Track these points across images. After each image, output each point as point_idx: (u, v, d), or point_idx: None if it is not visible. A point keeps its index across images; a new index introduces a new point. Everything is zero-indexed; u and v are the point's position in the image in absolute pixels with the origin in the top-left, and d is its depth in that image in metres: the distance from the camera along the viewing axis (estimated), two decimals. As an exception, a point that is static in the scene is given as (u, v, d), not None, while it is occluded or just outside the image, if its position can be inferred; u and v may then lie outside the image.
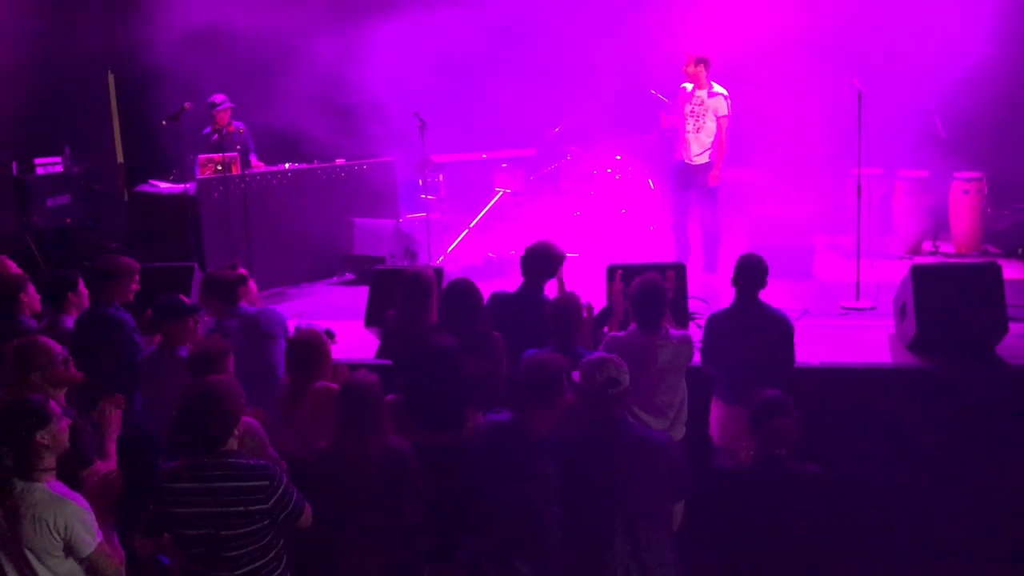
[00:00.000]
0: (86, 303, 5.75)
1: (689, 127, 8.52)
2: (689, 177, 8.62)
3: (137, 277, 5.88)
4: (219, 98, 9.49)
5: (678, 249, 8.78)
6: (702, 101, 8.50)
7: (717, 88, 8.52)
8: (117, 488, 3.77)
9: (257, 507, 3.59)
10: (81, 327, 5.54)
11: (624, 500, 3.90)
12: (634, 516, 3.91)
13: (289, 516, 3.69)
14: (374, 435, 4.05)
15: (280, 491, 3.65)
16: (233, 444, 3.72)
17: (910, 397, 6.17)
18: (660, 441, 4.08)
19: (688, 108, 8.53)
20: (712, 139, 8.51)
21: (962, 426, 6.02)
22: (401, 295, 5.41)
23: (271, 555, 3.70)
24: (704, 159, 8.55)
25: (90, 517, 3.54)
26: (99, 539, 3.54)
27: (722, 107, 8.47)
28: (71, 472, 3.85)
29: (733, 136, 8.75)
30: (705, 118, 8.49)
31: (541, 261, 5.72)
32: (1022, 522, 5.85)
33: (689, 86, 8.55)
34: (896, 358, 6.51)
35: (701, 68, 8.46)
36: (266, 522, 3.63)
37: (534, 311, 5.46)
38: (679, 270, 6.44)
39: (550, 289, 5.78)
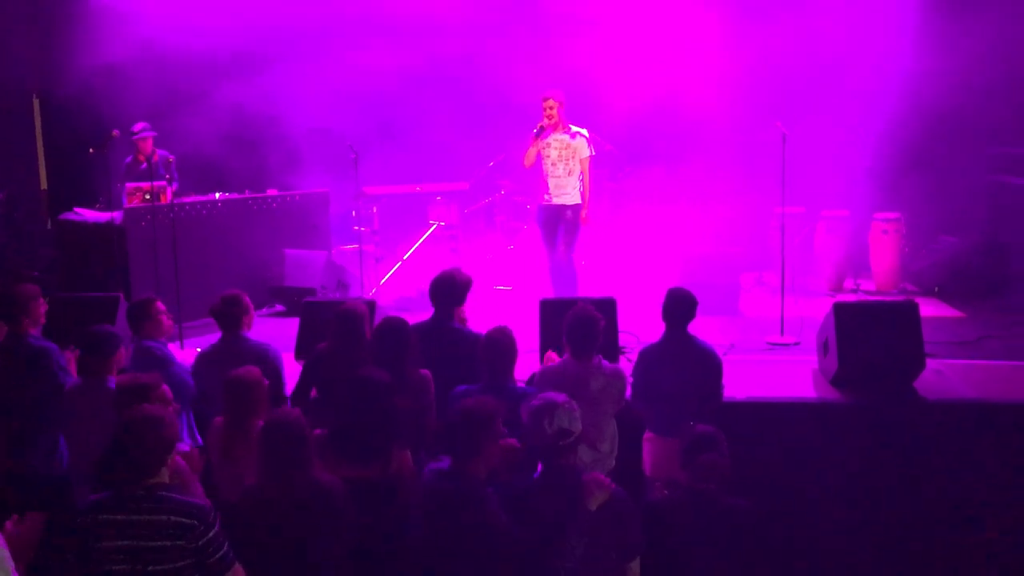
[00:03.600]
0: (1, 336, 5.61)
1: (559, 171, 8.31)
2: (555, 216, 8.40)
3: (42, 300, 5.78)
4: (139, 126, 9.37)
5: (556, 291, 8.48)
6: (568, 144, 8.30)
7: (576, 129, 8.35)
8: (37, 532, 3.65)
9: (184, 544, 3.49)
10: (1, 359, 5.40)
11: (572, 557, 3.84)
12: (584, 573, 3.85)
13: (218, 564, 3.57)
14: (301, 471, 3.99)
15: (211, 535, 3.54)
16: (164, 476, 3.64)
17: (833, 430, 6.32)
18: (619, 495, 3.99)
19: (554, 153, 8.32)
20: (576, 180, 8.33)
21: (883, 459, 6.19)
22: (333, 328, 5.39)
23: None
24: (567, 199, 8.34)
25: (6, 554, 3.42)
26: None
27: (584, 149, 8.32)
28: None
29: (659, 174, 8.88)
30: (572, 161, 8.30)
31: (448, 289, 5.73)
32: (942, 552, 6.01)
33: (545, 123, 8.25)
34: (820, 392, 6.67)
35: (558, 108, 8.23)
36: (191, 561, 3.53)
37: (446, 339, 5.52)
38: (609, 304, 6.53)
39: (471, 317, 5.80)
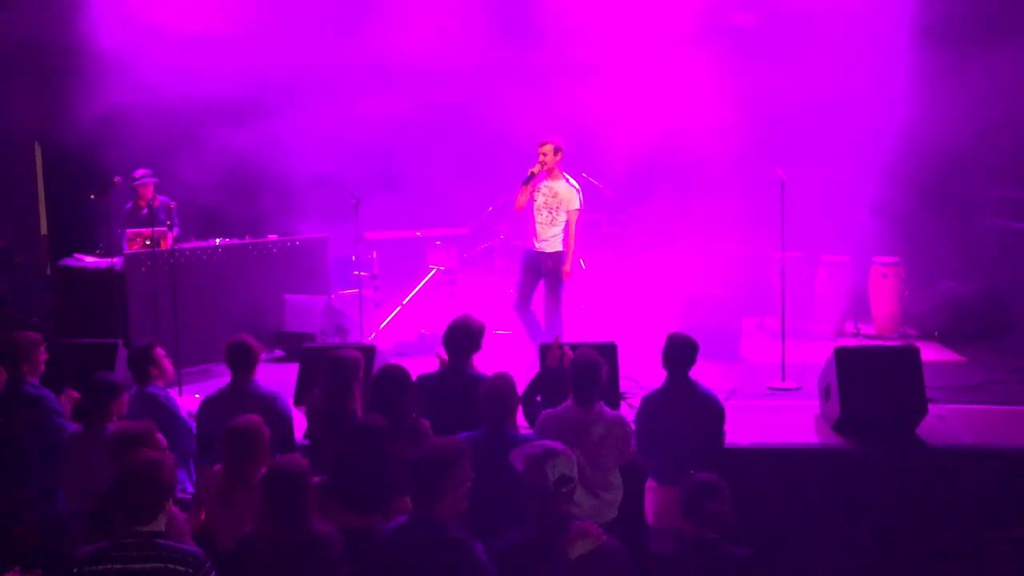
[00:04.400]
0: (1, 382, 5.60)
1: (543, 218, 8.24)
2: (537, 264, 8.34)
3: (43, 348, 5.77)
4: (140, 172, 9.41)
5: (530, 332, 8.46)
6: (556, 193, 8.23)
7: (570, 181, 8.29)
8: None
9: None
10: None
11: None
12: None
13: None
14: (299, 520, 3.94)
15: None
16: (161, 524, 3.60)
17: (836, 476, 6.29)
18: (611, 547, 3.92)
19: (541, 199, 8.27)
20: (562, 230, 8.24)
21: (886, 504, 6.14)
22: (326, 376, 5.38)
23: None
24: (547, 247, 8.27)
25: None
26: None
27: (574, 201, 8.22)
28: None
29: (659, 219, 8.86)
30: (559, 210, 8.22)
31: (464, 337, 5.72)
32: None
33: (537, 169, 8.20)
34: (822, 438, 6.63)
35: (556, 156, 8.18)
36: None
37: (463, 386, 5.47)
38: (610, 349, 6.51)
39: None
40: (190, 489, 5.38)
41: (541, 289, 8.38)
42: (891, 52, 9.75)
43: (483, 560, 3.84)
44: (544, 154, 8.19)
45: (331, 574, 3.93)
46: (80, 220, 10.19)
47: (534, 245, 8.35)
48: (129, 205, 9.48)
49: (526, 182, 8.24)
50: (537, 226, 8.31)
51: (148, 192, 9.34)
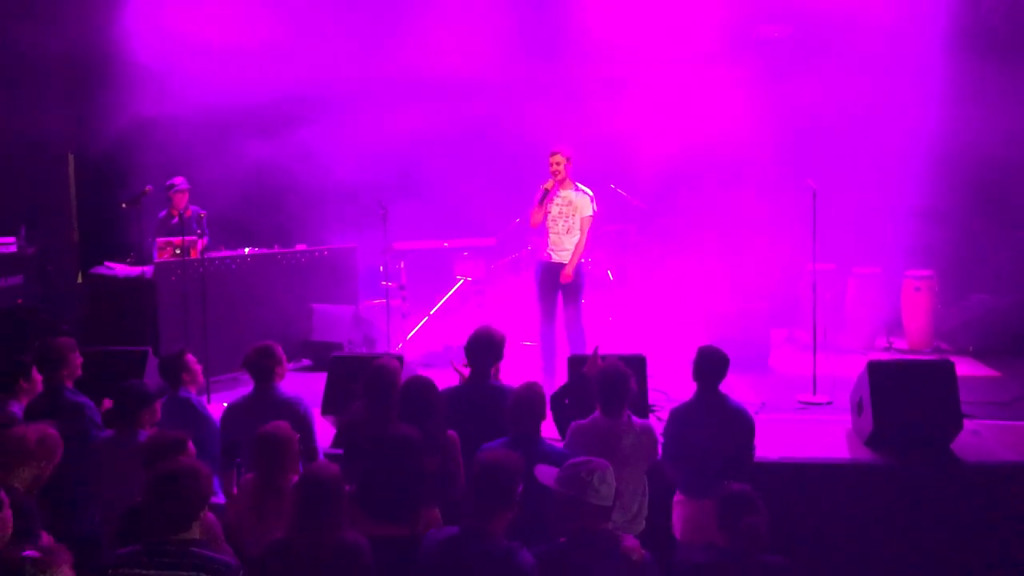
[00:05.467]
0: (38, 388, 5.63)
1: (559, 228, 8.20)
2: (554, 275, 8.25)
3: (79, 353, 5.81)
4: (177, 180, 9.47)
5: (544, 354, 8.41)
6: (570, 201, 8.20)
7: (582, 188, 8.26)
8: None
9: None
10: (36, 414, 5.40)
11: None
12: None
13: None
14: (331, 528, 3.94)
15: None
16: (196, 532, 3.60)
17: (868, 492, 6.19)
18: (645, 560, 3.93)
19: (556, 210, 8.22)
20: (574, 238, 8.19)
21: (919, 521, 6.04)
22: (366, 386, 5.36)
23: None
24: (565, 256, 8.20)
25: None
26: None
27: (587, 207, 8.18)
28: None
29: (689, 229, 8.80)
30: (574, 218, 8.18)
31: (486, 347, 5.69)
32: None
33: (550, 184, 8.18)
34: (854, 453, 6.54)
35: (565, 164, 8.14)
36: None
37: (487, 397, 5.45)
38: (639, 361, 6.47)
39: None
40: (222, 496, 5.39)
41: (559, 301, 8.32)
42: (923, 61, 9.67)
43: (532, 563, 3.83)
44: (557, 163, 8.15)
45: None
46: (111, 229, 10.28)
47: (550, 256, 8.29)
48: (163, 214, 9.53)
49: (542, 200, 8.20)
50: (553, 236, 8.26)
51: (183, 200, 9.41)
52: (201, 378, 6.09)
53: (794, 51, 10.07)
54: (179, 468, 3.65)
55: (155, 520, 3.56)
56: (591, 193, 8.29)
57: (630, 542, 3.94)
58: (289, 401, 5.56)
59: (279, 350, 5.70)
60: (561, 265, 8.21)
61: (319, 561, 3.87)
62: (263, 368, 5.59)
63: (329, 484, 3.97)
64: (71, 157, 11.84)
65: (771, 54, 10.18)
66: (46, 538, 3.96)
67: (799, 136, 9.83)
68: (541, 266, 8.37)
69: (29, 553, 3.25)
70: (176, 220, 9.12)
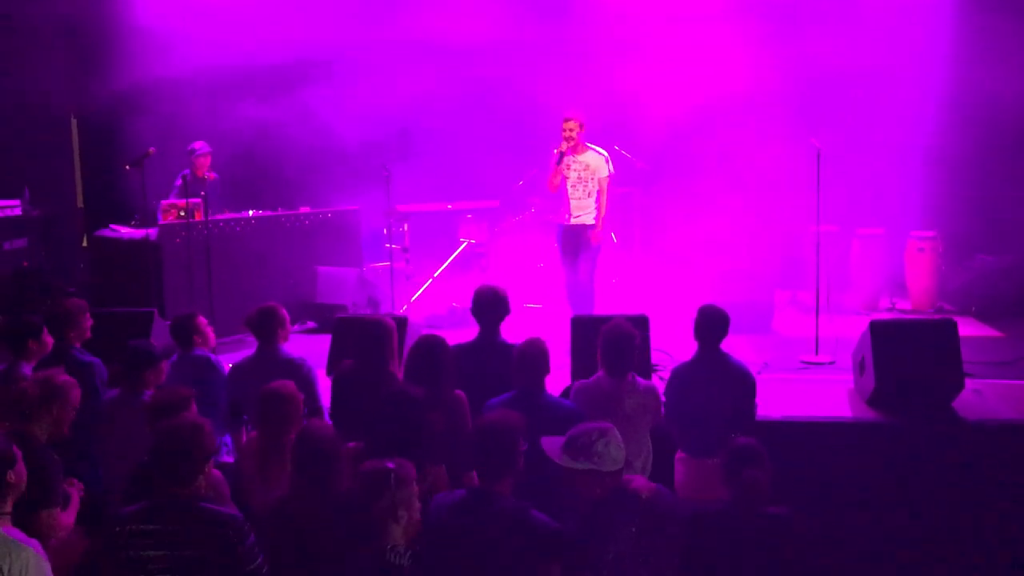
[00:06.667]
0: (47, 350, 5.68)
1: (579, 193, 8.29)
2: (574, 238, 8.37)
3: (88, 314, 5.85)
4: (198, 145, 9.44)
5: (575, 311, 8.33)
6: (587, 165, 8.28)
7: (597, 150, 8.35)
8: (78, 550, 3.68)
9: (219, 555, 3.51)
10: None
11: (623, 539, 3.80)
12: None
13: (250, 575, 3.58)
14: (329, 485, 3.98)
15: (244, 545, 3.55)
16: (201, 487, 3.65)
17: (869, 451, 6.22)
18: (654, 494, 3.96)
19: (574, 175, 8.30)
20: (594, 200, 8.30)
21: (920, 479, 6.08)
22: (357, 343, 5.39)
23: None
24: (587, 219, 8.33)
25: (47, 567, 3.44)
26: None
27: (603, 169, 8.29)
28: (32, 512, 3.79)
29: (693, 191, 8.80)
30: (591, 181, 8.27)
31: (492, 304, 5.71)
32: (977, 570, 5.88)
33: (564, 147, 8.23)
34: (855, 412, 6.57)
35: (578, 129, 8.20)
36: (226, 572, 3.53)
37: (496, 355, 5.47)
38: (642, 321, 6.49)
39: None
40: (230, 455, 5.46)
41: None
42: (931, 20, 9.59)
43: (545, 521, 3.83)
44: (570, 130, 8.20)
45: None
46: (116, 191, 10.28)
47: (570, 220, 8.36)
48: (186, 172, 9.39)
49: (559, 163, 8.24)
50: (573, 202, 8.32)
51: (205, 164, 9.38)
52: (213, 339, 6.14)
53: (800, 9, 9.96)
54: (182, 425, 3.69)
55: (160, 477, 3.60)
56: (606, 154, 8.37)
57: (637, 482, 3.96)
58: (293, 361, 5.60)
59: (282, 311, 5.74)
60: (583, 227, 8.31)
61: (323, 518, 3.91)
62: (265, 328, 5.63)
63: (324, 442, 4.01)
64: (74, 120, 11.81)
65: (776, 12, 10.06)
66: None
67: (804, 96, 9.75)
68: (563, 230, 8.46)
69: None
70: (180, 182, 9.11)
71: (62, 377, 4.56)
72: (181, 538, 3.51)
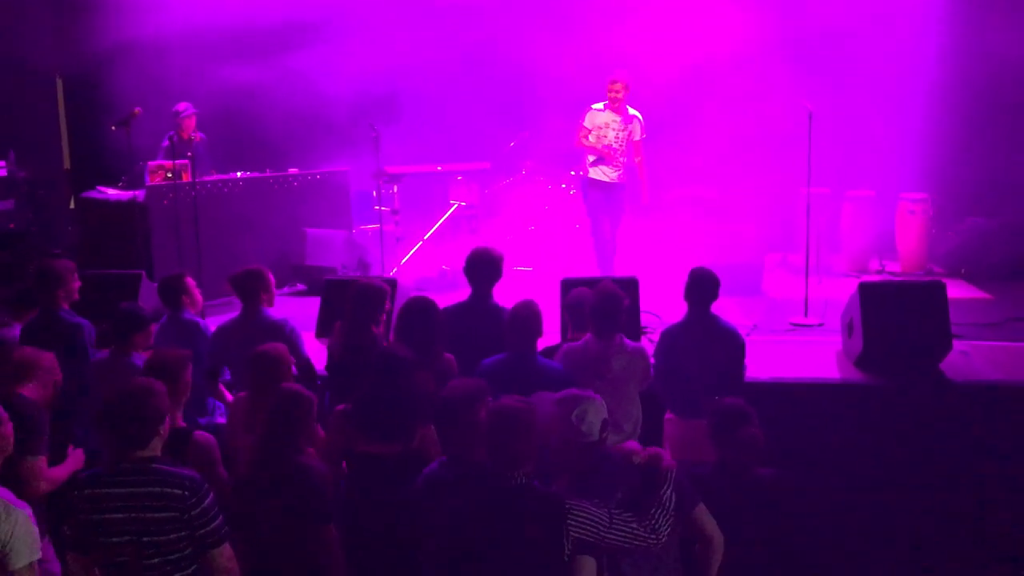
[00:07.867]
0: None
1: (618, 152, 8.54)
2: (608, 195, 8.63)
3: (77, 275, 5.82)
4: (182, 106, 9.34)
5: (602, 267, 8.74)
6: (624, 127, 8.54)
7: (632, 112, 8.60)
8: None
9: (177, 516, 3.50)
10: (32, 333, 5.43)
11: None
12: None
13: (209, 536, 3.56)
14: (291, 449, 4.00)
15: (202, 506, 3.54)
16: (156, 449, 3.64)
17: (857, 412, 6.27)
18: (646, 457, 3.87)
19: (612, 134, 8.53)
20: (626, 160, 8.59)
21: (907, 440, 6.12)
22: (350, 306, 5.38)
23: (191, 570, 3.59)
24: (621, 179, 8.65)
25: (35, 531, 3.44)
26: (38, 557, 3.44)
27: (637, 132, 8.59)
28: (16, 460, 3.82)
29: (683, 153, 8.82)
30: (627, 142, 8.57)
31: (485, 266, 5.69)
32: (964, 531, 5.95)
33: (600, 105, 8.54)
34: (843, 374, 6.61)
35: (624, 91, 8.48)
36: (184, 533, 3.53)
37: (488, 317, 5.46)
38: (632, 284, 6.48)
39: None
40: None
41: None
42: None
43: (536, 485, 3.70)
44: (616, 91, 8.46)
45: (318, 504, 3.98)
46: (103, 153, 10.18)
47: (607, 177, 8.60)
48: (171, 134, 9.33)
49: (596, 161, 8.55)
50: (612, 161, 8.56)
51: (191, 124, 9.30)
52: (200, 301, 6.13)
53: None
54: (133, 387, 3.67)
55: (115, 440, 3.60)
56: (640, 116, 8.62)
57: (630, 445, 3.94)
58: (276, 323, 5.59)
59: (267, 274, 5.71)
60: (619, 187, 8.63)
61: (276, 479, 3.95)
62: (248, 289, 5.61)
63: (294, 405, 4.03)
64: (59, 80, 11.68)
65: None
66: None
67: (796, 58, 9.69)
68: (599, 186, 8.63)
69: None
70: (166, 143, 9.03)
71: (48, 354, 4.52)
72: (140, 500, 3.51)
